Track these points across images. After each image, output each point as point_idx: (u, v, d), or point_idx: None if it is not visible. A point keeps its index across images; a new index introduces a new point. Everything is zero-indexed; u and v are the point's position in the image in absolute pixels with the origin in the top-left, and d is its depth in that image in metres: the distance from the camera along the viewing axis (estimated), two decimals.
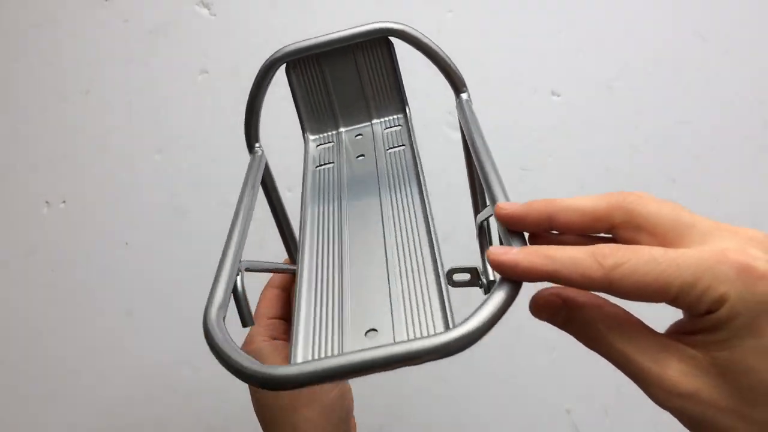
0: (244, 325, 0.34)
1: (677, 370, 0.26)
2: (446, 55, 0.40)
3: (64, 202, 0.81)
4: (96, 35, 0.82)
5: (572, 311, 0.29)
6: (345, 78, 0.40)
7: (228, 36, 0.81)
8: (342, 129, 0.40)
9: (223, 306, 0.29)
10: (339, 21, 0.81)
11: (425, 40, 0.40)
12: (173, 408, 0.79)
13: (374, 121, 0.40)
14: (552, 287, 0.29)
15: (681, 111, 0.79)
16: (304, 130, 0.40)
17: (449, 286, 0.32)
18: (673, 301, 0.25)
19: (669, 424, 0.75)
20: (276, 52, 0.40)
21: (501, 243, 0.39)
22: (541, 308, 0.30)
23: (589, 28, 0.80)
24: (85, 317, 0.80)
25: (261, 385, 0.24)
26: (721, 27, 0.79)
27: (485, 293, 0.38)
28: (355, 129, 0.40)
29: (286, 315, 0.46)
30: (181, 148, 0.80)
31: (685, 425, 0.27)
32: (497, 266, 0.28)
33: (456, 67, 0.40)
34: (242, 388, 0.81)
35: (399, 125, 0.39)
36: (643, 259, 0.25)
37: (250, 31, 0.81)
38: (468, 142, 0.37)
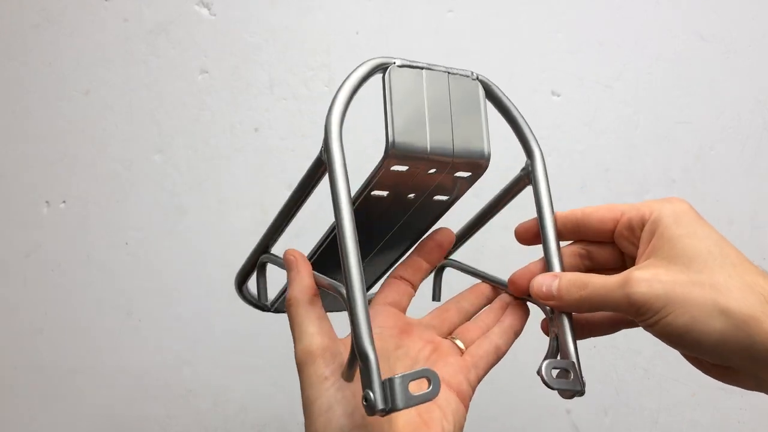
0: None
1: (638, 272, 0.36)
2: (522, 117, 0.41)
3: (64, 202, 0.81)
4: (96, 35, 0.82)
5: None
6: (438, 99, 0.37)
7: (228, 36, 0.81)
8: (430, 152, 0.35)
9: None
10: (339, 21, 0.81)
11: (504, 100, 0.41)
12: (173, 408, 0.79)
13: (456, 158, 0.36)
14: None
15: (681, 111, 0.79)
16: (390, 145, 0.35)
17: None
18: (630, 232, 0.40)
19: (669, 425, 0.75)
20: (377, 58, 0.37)
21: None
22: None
23: (589, 28, 0.80)
24: (85, 317, 0.80)
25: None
26: (721, 27, 0.79)
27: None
28: (438, 156, 0.36)
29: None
30: (181, 148, 0.80)
31: (656, 322, 0.35)
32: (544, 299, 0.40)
33: (530, 131, 0.41)
34: (241, 389, 0.81)
35: (468, 174, 0.38)
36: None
37: (250, 31, 0.81)
38: (536, 205, 0.41)
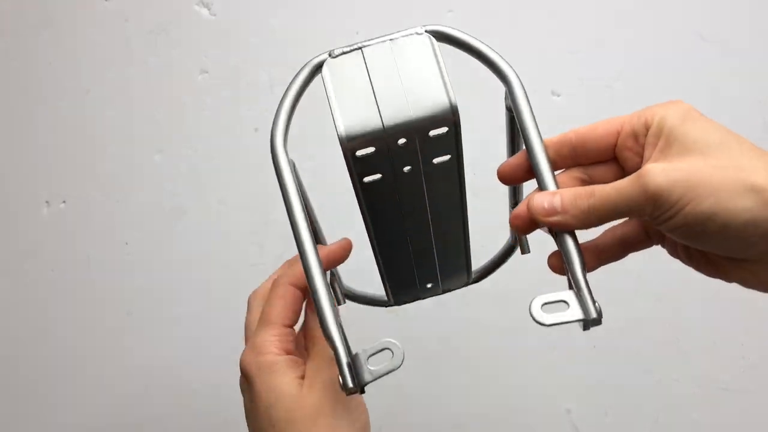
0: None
1: (651, 164, 0.33)
2: (492, 50, 0.39)
3: (64, 202, 0.81)
4: (96, 35, 0.82)
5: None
6: (383, 71, 0.36)
7: (228, 36, 0.81)
8: (387, 126, 0.35)
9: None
10: (339, 21, 0.81)
11: (463, 37, 0.39)
12: (173, 408, 0.79)
13: (418, 121, 0.35)
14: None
15: None
16: (340, 139, 0.35)
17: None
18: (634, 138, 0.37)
19: (669, 425, 0.75)
20: (317, 56, 0.38)
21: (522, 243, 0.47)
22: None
23: (589, 28, 0.80)
24: (85, 317, 0.80)
25: None
26: (721, 27, 0.79)
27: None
28: (398, 128, 0.35)
29: (296, 322, 0.43)
30: (181, 148, 0.80)
31: (677, 212, 0.32)
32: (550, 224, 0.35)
33: (500, 56, 0.39)
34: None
35: (446, 127, 0.36)
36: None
37: (250, 31, 0.81)
38: (521, 131, 0.38)
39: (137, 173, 0.81)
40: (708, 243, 0.33)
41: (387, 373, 0.34)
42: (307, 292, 0.42)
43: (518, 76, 0.39)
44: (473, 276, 0.51)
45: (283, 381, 0.38)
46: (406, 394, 0.76)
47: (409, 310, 0.45)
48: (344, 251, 0.42)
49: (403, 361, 0.34)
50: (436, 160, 0.38)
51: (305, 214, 0.37)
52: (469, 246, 0.46)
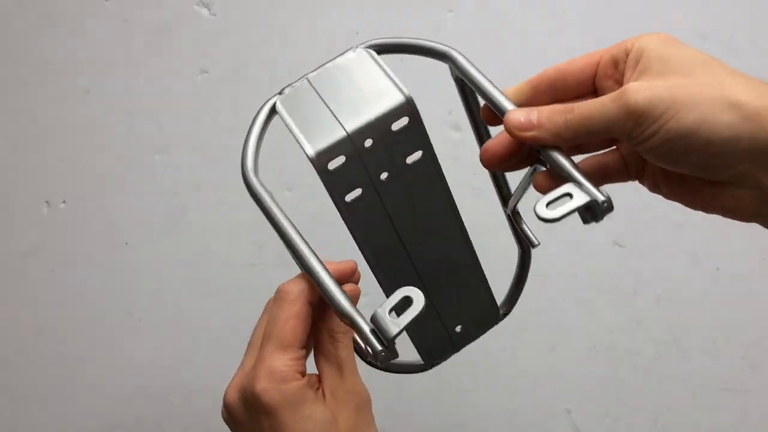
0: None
1: (633, 83, 0.33)
2: (424, 39, 0.41)
3: (64, 202, 0.81)
4: (96, 35, 0.82)
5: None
6: (333, 90, 0.38)
7: (228, 36, 0.81)
8: (350, 131, 0.36)
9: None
10: (339, 21, 0.81)
11: (396, 41, 0.41)
12: (173, 408, 0.79)
13: (378, 118, 0.36)
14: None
15: None
16: (312, 160, 0.36)
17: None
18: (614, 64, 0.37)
19: (669, 425, 0.75)
20: (270, 99, 0.39)
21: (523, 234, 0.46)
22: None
23: (589, 28, 0.80)
24: (85, 317, 0.80)
25: None
26: (721, 27, 0.79)
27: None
28: (361, 130, 0.36)
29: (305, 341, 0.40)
30: (181, 148, 0.80)
31: (659, 129, 0.32)
32: (526, 138, 0.35)
33: (433, 41, 0.41)
34: None
35: (405, 117, 0.36)
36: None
37: (250, 31, 0.81)
38: (473, 85, 0.39)
39: (137, 173, 0.80)
40: (689, 162, 0.33)
41: (413, 320, 0.32)
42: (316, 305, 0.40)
43: (456, 50, 0.41)
44: (502, 310, 0.48)
45: (316, 408, 0.36)
46: (405, 396, 0.76)
47: None
48: (350, 269, 0.41)
49: (425, 304, 0.32)
50: (409, 160, 0.38)
51: (288, 219, 0.38)
52: (477, 259, 0.44)
